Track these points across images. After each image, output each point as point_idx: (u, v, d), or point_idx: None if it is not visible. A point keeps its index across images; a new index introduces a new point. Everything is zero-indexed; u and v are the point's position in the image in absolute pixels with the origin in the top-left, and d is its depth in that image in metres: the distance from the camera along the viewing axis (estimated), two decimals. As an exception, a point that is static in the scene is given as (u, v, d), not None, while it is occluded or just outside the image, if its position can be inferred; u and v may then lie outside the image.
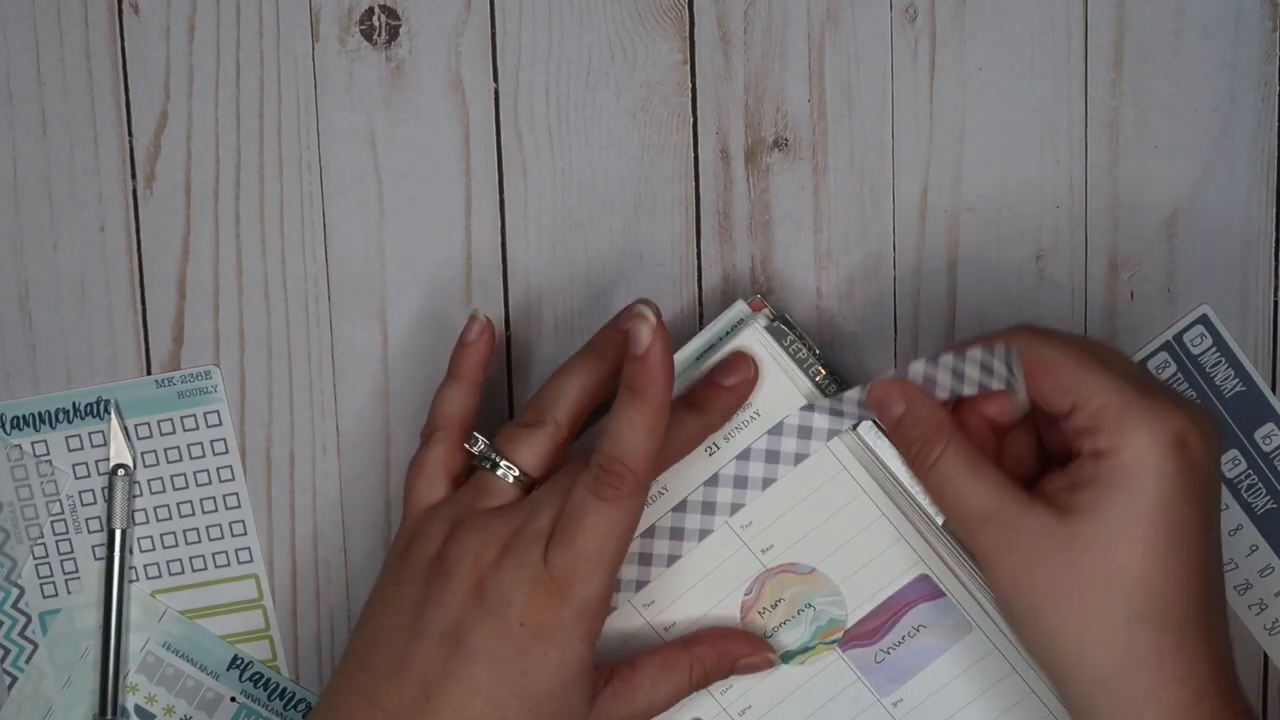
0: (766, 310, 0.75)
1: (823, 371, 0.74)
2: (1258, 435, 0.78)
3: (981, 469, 0.68)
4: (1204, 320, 0.78)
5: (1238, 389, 0.78)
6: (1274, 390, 0.78)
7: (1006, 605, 0.69)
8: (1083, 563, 0.66)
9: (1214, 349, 0.78)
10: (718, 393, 0.73)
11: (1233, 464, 0.78)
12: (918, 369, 0.70)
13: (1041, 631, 0.67)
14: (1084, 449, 0.67)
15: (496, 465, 0.71)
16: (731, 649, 0.74)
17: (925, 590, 0.75)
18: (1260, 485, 0.78)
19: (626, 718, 0.71)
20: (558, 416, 0.71)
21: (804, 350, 0.74)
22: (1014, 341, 0.69)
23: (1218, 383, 0.78)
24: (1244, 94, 0.77)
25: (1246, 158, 0.77)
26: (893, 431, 0.71)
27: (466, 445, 0.72)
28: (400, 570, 0.70)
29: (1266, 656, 0.79)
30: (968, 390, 0.70)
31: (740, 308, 0.75)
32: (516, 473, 0.71)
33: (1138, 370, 0.68)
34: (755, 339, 0.74)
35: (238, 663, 0.79)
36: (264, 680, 0.79)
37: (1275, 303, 0.78)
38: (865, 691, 0.75)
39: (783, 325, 0.74)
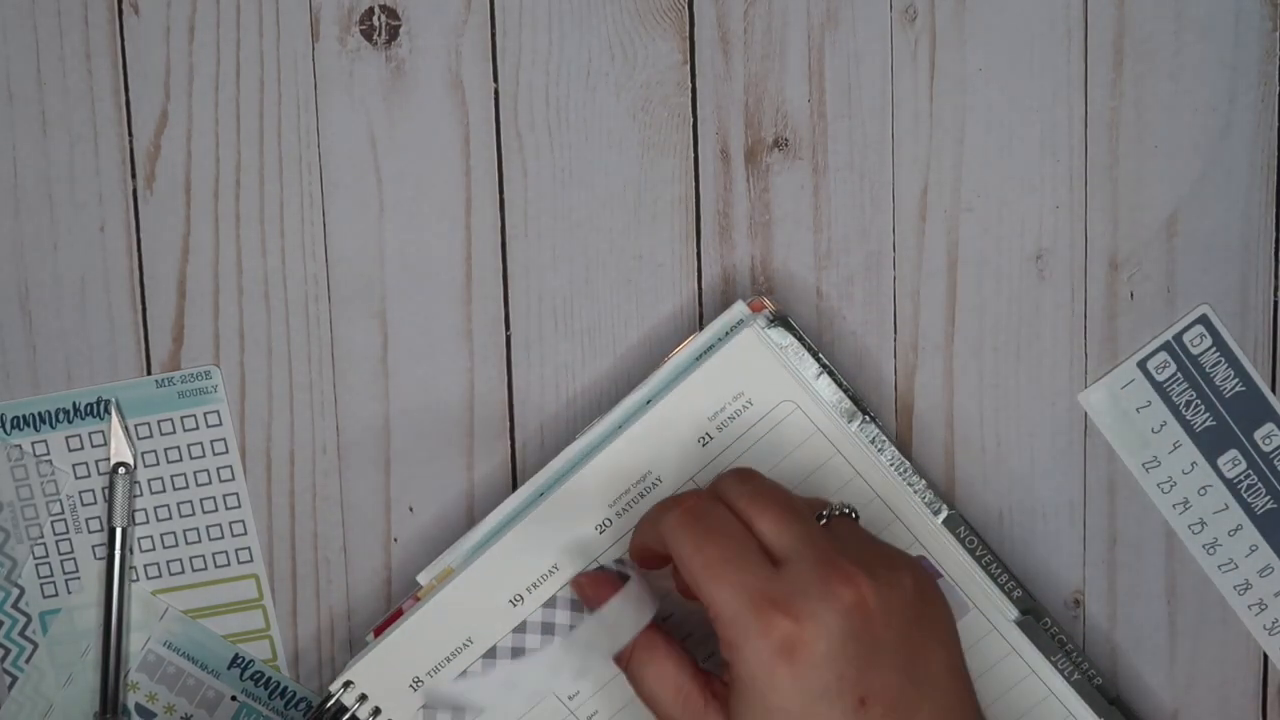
0: (766, 310, 0.75)
1: (820, 370, 0.74)
2: (1257, 435, 0.78)
3: (664, 674, 0.68)
4: (1204, 320, 0.78)
5: (1238, 389, 0.78)
6: (1274, 390, 0.78)
7: None
8: None
9: (1214, 349, 0.78)
10: None
11: (1233, 464, 0.78)
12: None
13: None
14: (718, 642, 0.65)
15: None
16: None
17: None
18: (1260, 485, 0.78)
19: None
20: None
21: (802, 349, 0.74)
22: (649, 530, 0.68)
23: (1218, 383, 0.78)
24: (1244, 94, 0.77)
25: (1246, 158, 0.77)
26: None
27: None
28: None
29: (1266, 656, 0.79)
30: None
31: (739, 308, 0.75)
32: None
33: (792, 552, 0.65)
34: (753, 338, 0.74)
35: (238, 661, 0.79)
36: (265, 679, 0.80)
37: (1275, 303, 0.78)
38: None
39: (782, 325, 0.74)
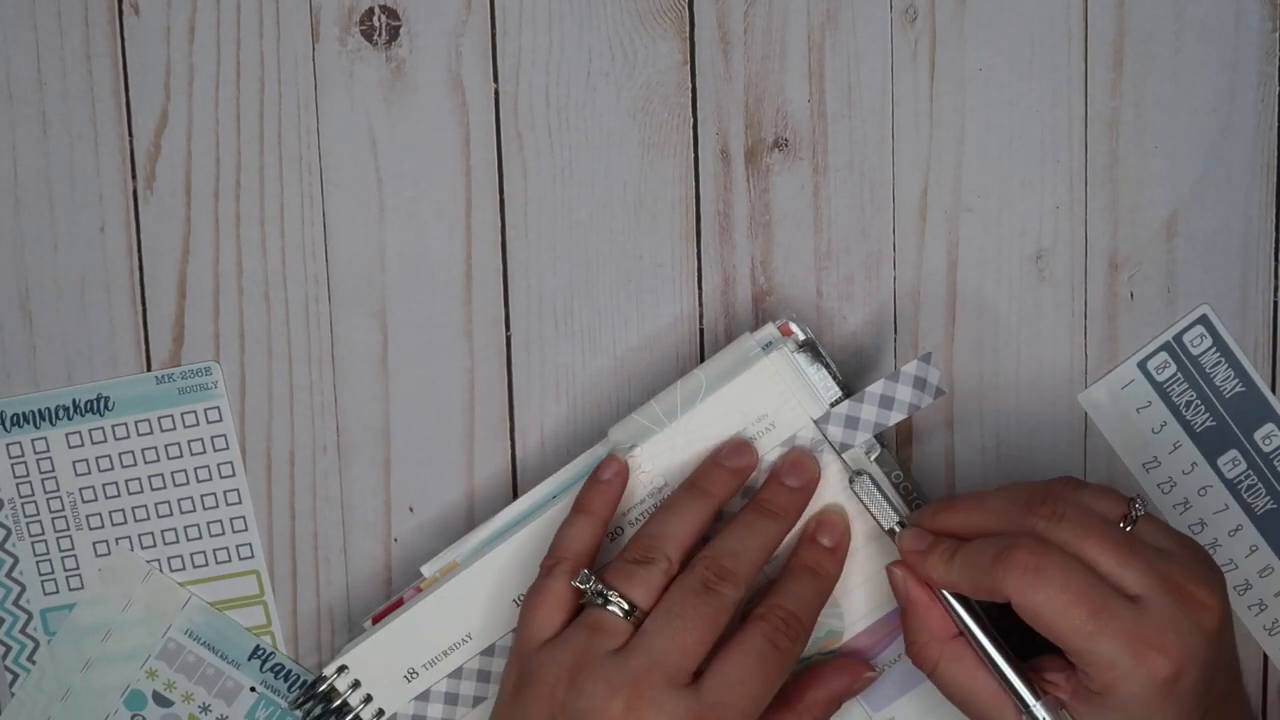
0: (795, 335, 0.75)
1: (842, 399, 0.74)
2: (1258, 435, 0.78)
3: (974, 681, 0.70)
4: (1204, 320, 0.78)
5: (1238, 389, 0.78)
6: (1274, 390, 0.78)
7: None
8: None
9: (1214, 349, 0.78)
10: (786, 494, 0.73)
11: (1233, 464, 0.78)
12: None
13: None
14: (1081, 672, 0.67)
15: (608, 601, 0.70)
16: (835, 687, 0.74)
17: None
18: (1260, 485, 0.78)
19: None
20: (669, 553, 0.71)
21: (828, 376, 0.74)
22: (974, 577, 0.68)
23: (1218, 383, 0.78)
24: (1244, 94, 0.77)
25: (1246, 158, 0.77)
26: (902, 616, 0.72)
27: (576, 582, 0.71)
28: (518, 716, 0.70)
29: (1266, 656, 0.79)
30: None
31: (769, 330, 0.75)
32: (626, 607, 0.70)
33: (1144, 588, 0.66)
34: (783, 363, 0.74)
35: (259, 653, 0.79)
36: (285, 671, 0.80)
37: (1275, 303, 0.78)
38: (859, 706, 0.75)
39: (810, 352, 0.74)
